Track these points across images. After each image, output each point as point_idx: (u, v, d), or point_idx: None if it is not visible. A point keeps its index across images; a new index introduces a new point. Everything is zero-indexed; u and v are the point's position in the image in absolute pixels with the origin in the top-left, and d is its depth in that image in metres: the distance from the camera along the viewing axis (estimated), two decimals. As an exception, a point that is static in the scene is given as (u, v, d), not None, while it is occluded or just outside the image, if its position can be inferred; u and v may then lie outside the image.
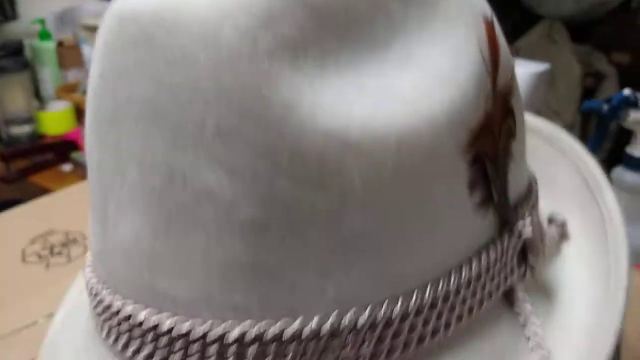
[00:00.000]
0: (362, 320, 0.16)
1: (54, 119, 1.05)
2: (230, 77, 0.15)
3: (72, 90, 1.10)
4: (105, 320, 0.19)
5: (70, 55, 1.12)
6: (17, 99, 1.02)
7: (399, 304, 0.17)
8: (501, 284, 0.19)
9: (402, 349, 0.17)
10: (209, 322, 0.16)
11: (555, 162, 0.27)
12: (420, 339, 0.17)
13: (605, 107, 0.57)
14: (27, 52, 1.11)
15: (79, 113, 1.06)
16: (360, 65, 0.17)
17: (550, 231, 0.24)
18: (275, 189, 0.15)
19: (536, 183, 0.24)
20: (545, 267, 0.22)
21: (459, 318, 0.18)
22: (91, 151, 0.18)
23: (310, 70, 0.16)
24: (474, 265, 0.18)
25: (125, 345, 0.18)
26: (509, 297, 0.20)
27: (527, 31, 1.78)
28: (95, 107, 0.18)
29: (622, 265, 0.20)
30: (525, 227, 0.20)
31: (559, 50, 1.79)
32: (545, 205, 0.26)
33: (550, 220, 0.25)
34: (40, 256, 0.46)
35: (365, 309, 0.16)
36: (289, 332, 0.16)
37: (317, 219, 0.16)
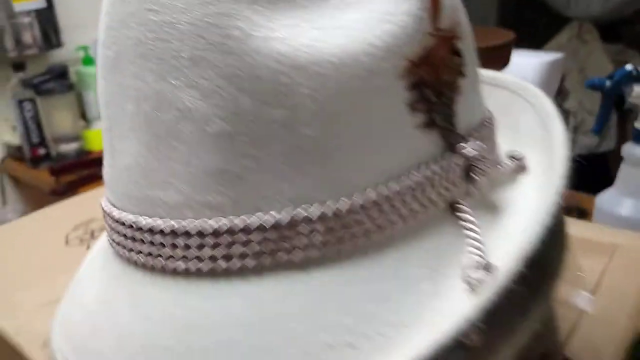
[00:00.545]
0: (313, 213, 0.20)
1: (99, 136, 1.12)
2: (200, 16, 0.19)
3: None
4: (114, 234, 0.23)
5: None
6: (64, 119, 1.11)
7: (345, 200, 0.20)
8: (444, 195, 0.22)
9: (351, 239, 0.20)
10: (189, 219, 0.20)
11: (521, 109, 0.30)
12: (367, 232, 0.20)
13: (608, 83, 0.58)
14: (73, 77, 1.21)
15: (120, 130, 1.13)
16: (312, 6, 0.21)
17: (508, 164, 0.27)
18: (239, 105, 0.19)
19: (491, 120, 0.27)
20: (495, 189, 0.25)
21: (402, 217, 0.21)
22: (101, 95, 0.23)
23: (266, 9, 0.20)
24: (413, 175, 0.21)
25: (130, 250, 0.22)
26: (454, 209, 0.23)
27: (557, 33, 1.78)
28: (102, 56, 0.22)
29: (557, 173, 0.22)
30: (468, 149, 0.23)
31: (589, 51, 1.77)
32: (512, 144, 0.29)
33: (510, 155, 0.28)
34: (81, 240, 0.51)
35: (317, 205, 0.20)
36: (253, 223, 0.20)
37: (274, 129, 0.19)
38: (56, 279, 0.45)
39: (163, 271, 0.21)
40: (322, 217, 0.20)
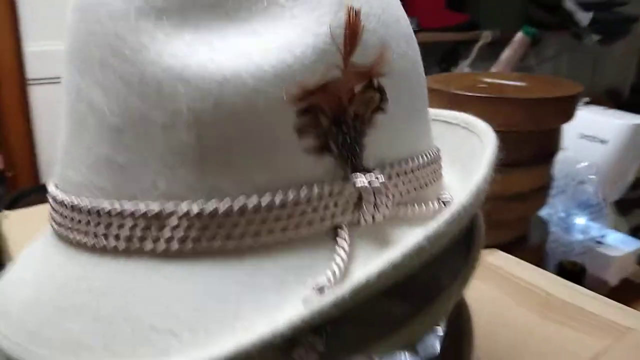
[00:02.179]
0: (179, 209, 0.22)
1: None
2: (112, 29, 0.22)
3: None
4: (50, 210, 0.27)
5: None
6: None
7: (211, 203, 0.22)
8: (326, 219, 0.23)
9: (213, 240, 0.22)
10: (84, 197, 0.23)
11: (473, 144, 0.30)
12: (231, 237, 0.22)
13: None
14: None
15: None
16: (217, 31, 0.23)
17: (433, 206, 0.27)
18: (129, 105, 0.22)
19: (426, 157, 0.27)
20: (402, 223, 0.25)
21: (271, 231, 0.22)
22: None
23: (169, 28, 0.22)
24: (291, 193, 0.23)
25: (53, 219, 0.26)
26: (336, 233, 0.24)
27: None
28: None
29: (440, 220, 0.22)
30: (361, 179, 0.24)
31: None
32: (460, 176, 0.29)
33: (438, 197, 0.28)
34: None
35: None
36: (127, 209, 0.22)
37: (155, 130, 0.22)
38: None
39: (66, 239, 0.25)
40: (187, 215, 0.22)
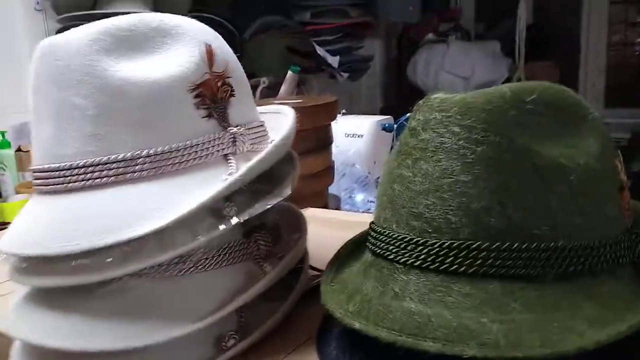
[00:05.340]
0: (142, 153, 0.40)
1: (14, 208, 1.26)
2: (80, 61, 0.40)
3: (29, 187, 1.33)
4: (35, 179, 0.42)
5: (27, 159, 1.37)
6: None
7: (157, 148, 0.41)
8: (220, 151, 0.44)
9: (164, 167, 0.41)
10: (80, 161, 0.40)
11: (283, 120, 0.53)
12: (175, 164, 0.41)
13: (396, 126, 0.84)
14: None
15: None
16: (142, 58, 0.42)
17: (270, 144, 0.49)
18: (100, 101, 0.40)
19: (256, 122, 0.49)
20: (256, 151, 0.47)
21: (193, 159, 0.42)
22: (31, 104, 0.43)
23: (116, 58, 0.41)
24: (193, 141, 0.42)
25: (40, 185, 0.41)
26: (226, 159, 0.44)
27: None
28: (30, 87, 0.42)
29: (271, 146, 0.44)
30: (233, 130, 0.45)
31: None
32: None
33: (271, 141, 0.50)
34: None
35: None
36: (111, 158, 0.40)
37: (118, 113, 0.40)
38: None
39: (56, 192, 0.41)
40: (147, 155, 0.40)
